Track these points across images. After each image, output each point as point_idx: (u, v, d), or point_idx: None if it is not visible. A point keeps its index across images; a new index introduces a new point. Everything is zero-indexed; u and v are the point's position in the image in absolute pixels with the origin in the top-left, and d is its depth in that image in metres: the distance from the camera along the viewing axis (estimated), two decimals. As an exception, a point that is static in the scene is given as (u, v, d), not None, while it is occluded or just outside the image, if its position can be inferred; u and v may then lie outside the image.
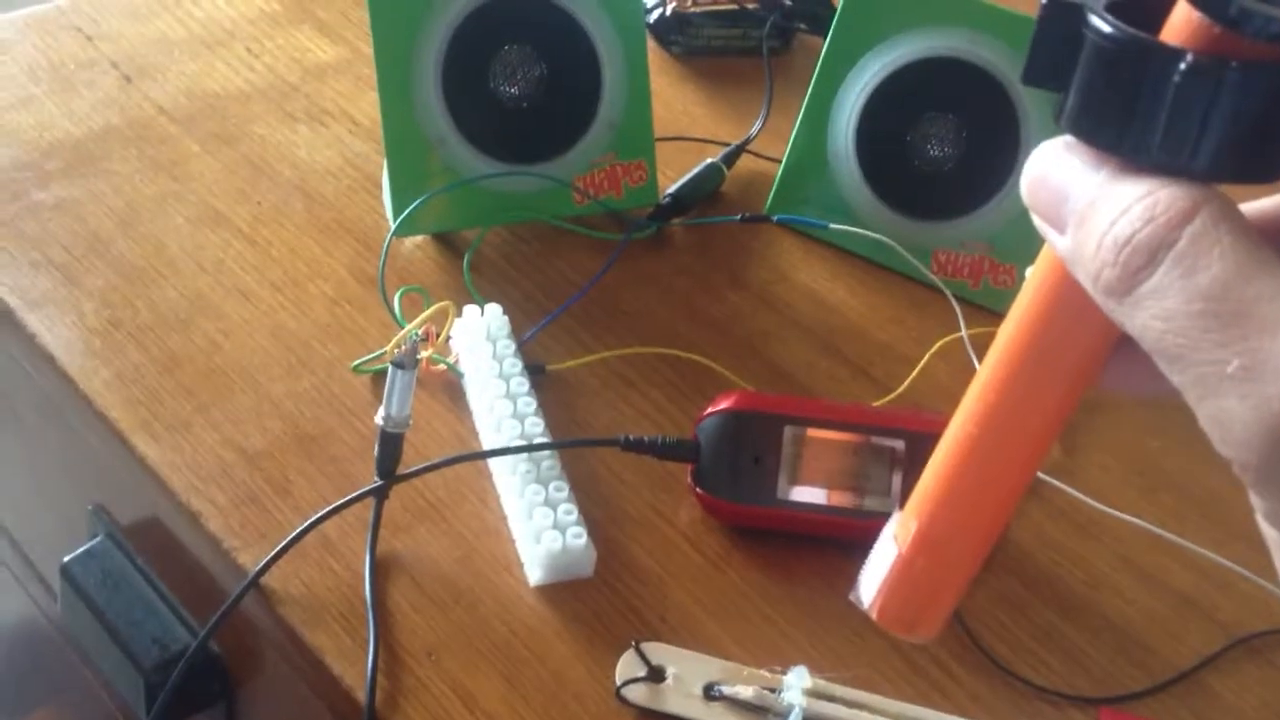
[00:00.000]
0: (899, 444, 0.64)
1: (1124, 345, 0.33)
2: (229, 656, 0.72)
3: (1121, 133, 0.30)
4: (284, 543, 0.61)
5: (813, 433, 0.64)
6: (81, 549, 0.76)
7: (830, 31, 0.80)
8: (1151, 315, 0.30)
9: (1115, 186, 0.31)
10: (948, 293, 0.78)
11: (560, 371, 0.72)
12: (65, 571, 0.75)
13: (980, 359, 0.75)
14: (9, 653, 1.14)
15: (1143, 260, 0.30)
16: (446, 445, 0.68)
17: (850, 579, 0.64)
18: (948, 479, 0.36)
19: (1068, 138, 0.32)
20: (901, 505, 0.38)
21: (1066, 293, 0.33)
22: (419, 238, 0.78)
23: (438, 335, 0.70)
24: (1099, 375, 0.34)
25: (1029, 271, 0.35)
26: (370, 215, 0.80)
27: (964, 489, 0.36)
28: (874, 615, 0.38)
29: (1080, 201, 0.31)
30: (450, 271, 0.77)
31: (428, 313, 0.64)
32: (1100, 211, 0.31)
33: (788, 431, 0.64)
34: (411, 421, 0.62)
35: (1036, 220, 0.33)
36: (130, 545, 0.76)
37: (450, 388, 0.70)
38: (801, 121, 0.81)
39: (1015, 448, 0.36)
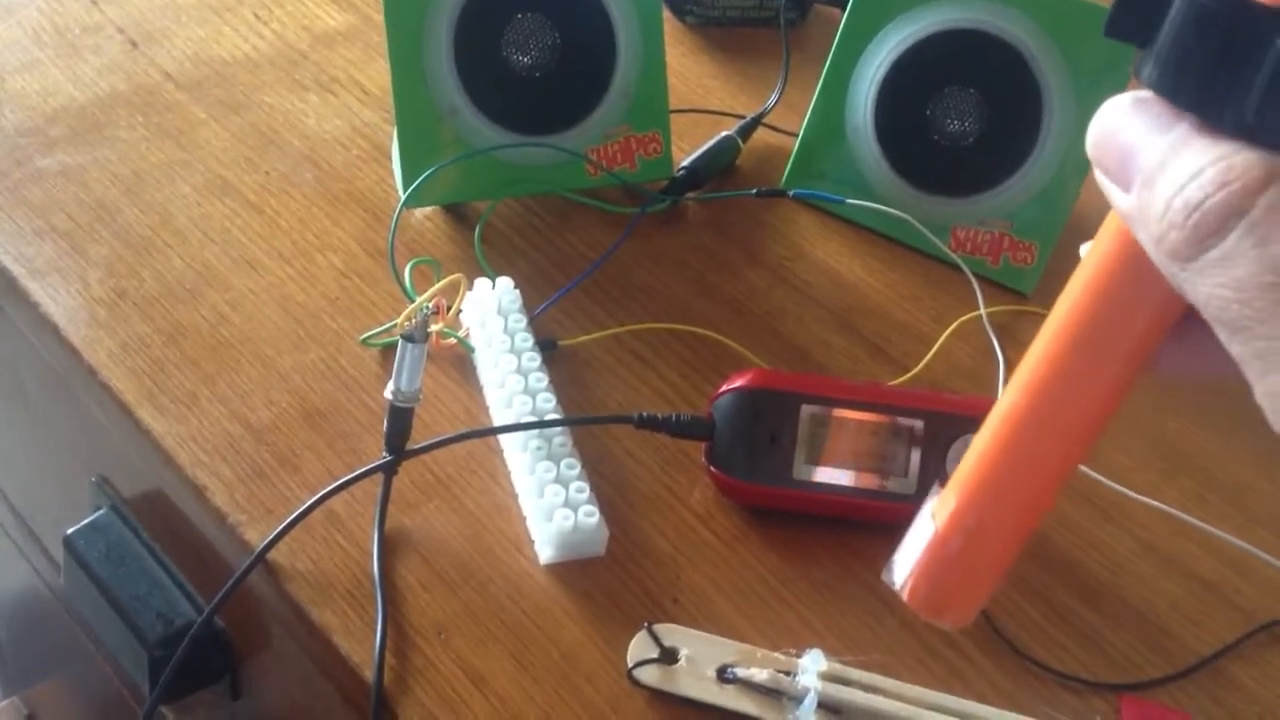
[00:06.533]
0: (917, 424, 0.63)
1: (1181, 326, 0.32)
2: (233, 631, 0.71)
3: (1204, 93, 0.29)
4: (290, 518, 0.60)
5: (830, 412, 0.63)
6: (85, 521, 0.75)
7: (850, 2, 0.78)
8: (1217, 284, 0.29)
9: (1188, 147, 0.29)
10: (967, 270, 0.77)
11: (572, 347, 0.71)
12: (68, 544, 0.74)
13: (999, 338, 0.74)
14: (13, 624, 1.14)
15: (1213, 226, 0.29)
16: (456, 421, 0.67)
17: (867, 560, 0.64)
18: (992, 457, 0.35)
19: (1139, 94, 0.31)
20: (941, 485, 0.37)
21: (1127, 266, 0.32)
22: (429, 209, 0.77)
23: (448, 308, 0.68)
24: (1155, 355, 0.33)
25: (1084, 249, 0.34)
26: (380, 186, 0.78)
27: (1008, 468, 0.35)
28: (905, 596, 0.37)
29: (1150, 160, 0.30)
30: (461, 244, 0.75)
31: (439, 285, 0.63)
32: (1171, 172, 0.29)
33: (804, 410, 0.63)
34: (422, 396, 0.60)
35: (1099, 176, 0.32)
36: (134, 518, 0.75)
37: (460, 362, 0.69)
38: (819, 94, 0.80)
39: (1064, 427, 0.34)
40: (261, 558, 0.59)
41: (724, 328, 0.73)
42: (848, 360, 0.73)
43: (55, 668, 1.08)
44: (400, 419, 0.60)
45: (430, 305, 0.63)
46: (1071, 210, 0.77)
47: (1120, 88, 0.75)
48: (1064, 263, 0.78)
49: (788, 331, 0.74)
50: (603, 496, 0.63)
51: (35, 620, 1.06)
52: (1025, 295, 0.77)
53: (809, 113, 0.80)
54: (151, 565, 0.74)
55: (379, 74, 0.86)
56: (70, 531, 0.75)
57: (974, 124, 0.77)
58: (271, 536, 0.59)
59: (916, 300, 0.77)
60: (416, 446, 0.62)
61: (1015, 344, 0.74)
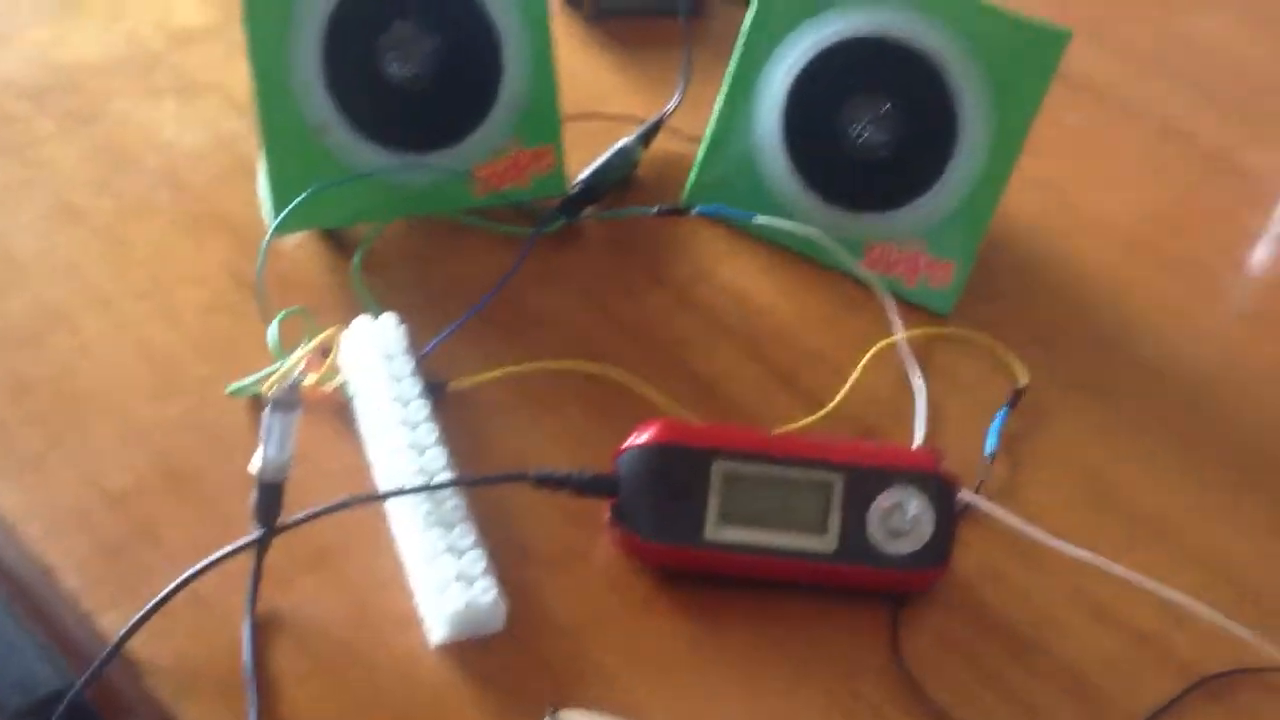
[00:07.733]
0: (838, 478, 0.58)
1: None
2: (100, 703, 0.65)
3: None
4: (149, 606, 0.54)
5: (744, 467, 0.58)
6: (-71, 583, 0.69)
7: (753, 3, 0.73)
8: None
9: None
10: (881, 291, 0.72)
11: (463, 390, 0.65)
12: (-89, 609, 0.68)
13: (918, 362, 0.70)
14: None
15: None
16: (335, 479, 0.61)
17: (785, 624, 0.59)
18: None
19: None
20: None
21: None
22: (301, 234, 0.70)
23: (327, 354, 0.62)
24: None
25: None
26: (246, 206, 0.72)
27: None
28: None
29: None
30: (338, 272, 0.69)
31: (310, 345, 0.57)
32: None
33: (717, 466, 0.58)
34: (293, 465, 0.55)
35: None
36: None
37: (340, 410, 0.63)
38: (722, 104, 0.74)
39: None
40: (117, 651, 0.53)
41: (627, 360, 0.68)
42: (758, 394, 0.68)
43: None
44: (270, 493, 0.55)
45: (301, 365, 0.57)
46: (988, 227, 0.72)
47: (1039, 98, 0.70)
48: (981, 283, 0.74)
49: (694, 362, 0.69)
50: (498, 560, 0.57)
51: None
52: (943, 317, 0.72)
53: (712, 123, 0.75)
54: (5, 625, 0.68)
55: (245, 76, 0.78)
56: (-88, 595, 0.68)
57: (887, 136, 0.72)
58: (126, 629, 0.53)
59: (830, 324, 0.72)
60: (290, 520, 0.56)
61: (934, 370, 0.70)
